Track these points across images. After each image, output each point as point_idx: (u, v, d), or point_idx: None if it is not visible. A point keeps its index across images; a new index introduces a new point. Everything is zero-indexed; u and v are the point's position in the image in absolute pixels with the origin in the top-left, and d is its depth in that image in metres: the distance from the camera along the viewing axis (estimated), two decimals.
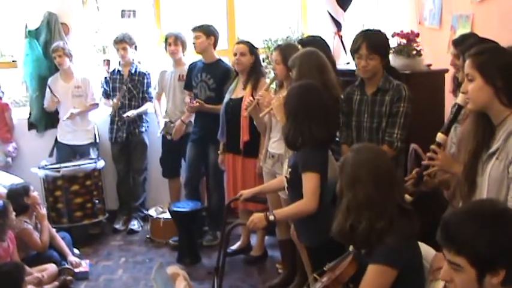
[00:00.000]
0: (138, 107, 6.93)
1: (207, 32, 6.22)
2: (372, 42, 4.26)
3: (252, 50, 5.72)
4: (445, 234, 2.16)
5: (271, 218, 3.82)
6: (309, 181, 3.79)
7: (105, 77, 7.11)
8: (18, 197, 5.62)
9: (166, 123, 6.69)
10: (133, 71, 6.92)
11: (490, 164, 2.77)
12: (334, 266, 3.20)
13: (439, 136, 3.21)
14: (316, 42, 5.36)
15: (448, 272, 2.18)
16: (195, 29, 6.23)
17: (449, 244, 2.14)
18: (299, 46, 5.14)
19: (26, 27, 7.12)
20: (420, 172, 3.34)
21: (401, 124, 4.23)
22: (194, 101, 6.16)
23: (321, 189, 3.81)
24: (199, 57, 6.41)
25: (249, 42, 5.81)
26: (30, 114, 7.33)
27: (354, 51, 4.36)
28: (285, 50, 4.98)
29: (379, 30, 4.58)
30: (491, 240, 2.04)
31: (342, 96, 4.60)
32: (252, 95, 5.41)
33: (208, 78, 6.23)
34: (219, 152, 6.06)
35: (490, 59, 2.77)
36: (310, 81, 4.18)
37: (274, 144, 5.07)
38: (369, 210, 2.95)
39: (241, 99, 5.59)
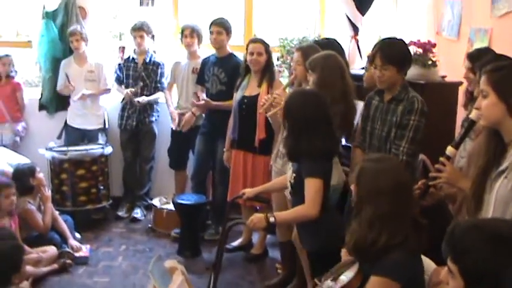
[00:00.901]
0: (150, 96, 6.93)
1: (229, 29, 6.24)
2: (386, 52, 4.17)
3: (267, 48, 5.69)
4: (449, 238, 2.16)
5: (272, 219, 3.77)
6: (312, 186, 3.73)
7: (119, 64, 7.09)
8: (23, 177, 5.67)
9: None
10: (147, 60, 6.92)
11: (498, 182, 2.75)
12: (336, 272, 3.16)
13: (449, 149, 3.19)
14: (331, 44, 5.34)
15: (446, 274, 2.19)
16: (218, 24, 6.21)
17: (449, 249, 2.14)
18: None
19: (44, 8, 7.14)
20: (426, 183, 3.32)
21: (409, 138, 4.12)
22: (200, 100, 6.17)
23: (324, 195, 3.77)
24: (213, 50, 6.41)
25: (263, 40, 5.77)
26: (41, 95, 7.36)
27: (371, 61, 4.33)
28: (307, 51, 4.94)
29: (399, 40, 4.49)
30: (486, 259, 2.03)
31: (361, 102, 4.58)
32: (268, 93, 5.38)
33: (220, 72, 6.23)
34: (225, 149, 6.05)
35: (506, 76, 2.75)
36: (311, 89, 4.15)
37: None
38: (390, 223, 2.90)
39: (255, 96, 5.57)
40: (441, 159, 3.19)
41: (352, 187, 3.17)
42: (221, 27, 6.20)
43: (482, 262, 2.04)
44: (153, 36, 6.96)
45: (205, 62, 6.46)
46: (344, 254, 3.30)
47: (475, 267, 2.05)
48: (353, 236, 3.02)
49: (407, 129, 4.14)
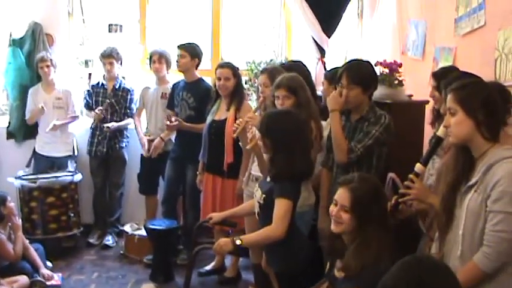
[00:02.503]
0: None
1: (193, 53, 6.23)
2: (352, 73, 4.28)
3: (235, 72, 5.71)
4: None
5: (238, 242, 3.76)
6: (281, 207, 3.72)
7: (88, 90, 7.07)
8: None
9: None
10: (117, 86, 6.91)
11: (468, 196, 2.80)
12: None
13: (418, 166, 3.26)
14: (298, 67, 5.39)
15: None
16: (181, 47, 6.24)
17: None
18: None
19: (11, 35, 7.11)
20: (396, 200, 3.37)
21: (366, 145, 4.20)
22: (173, 120, 6.16)
23: (291, 217, 3.76)
24: (182, 76, 6.42)
25: (231, 64, 5.80)
26: (9, 123, 7.29)
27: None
28: (273, 73, 5.00)
29: (366, 61, 4.60)
30: None
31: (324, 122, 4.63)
32: (235, 117, 5.41)
33: (189, 97, 6.25)
34: (198, 172, 6.05)
35: (472, 93, 2.82)
36: (291, 109, 4.19)
37: (258, 167, 5.04)
38: (384, 240, 2.97)
39: (224, 120, 5.59)
40: (410, 176, 3.25)
41: (332, 209, 3.19)
42: (185, 51, 6.22)
43: None
44: (121, 62, 6.96)
45: (175, 86, 6.47)
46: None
47: None
48: (359, 260, 3.01)
49: (368, 136, 4.21)
